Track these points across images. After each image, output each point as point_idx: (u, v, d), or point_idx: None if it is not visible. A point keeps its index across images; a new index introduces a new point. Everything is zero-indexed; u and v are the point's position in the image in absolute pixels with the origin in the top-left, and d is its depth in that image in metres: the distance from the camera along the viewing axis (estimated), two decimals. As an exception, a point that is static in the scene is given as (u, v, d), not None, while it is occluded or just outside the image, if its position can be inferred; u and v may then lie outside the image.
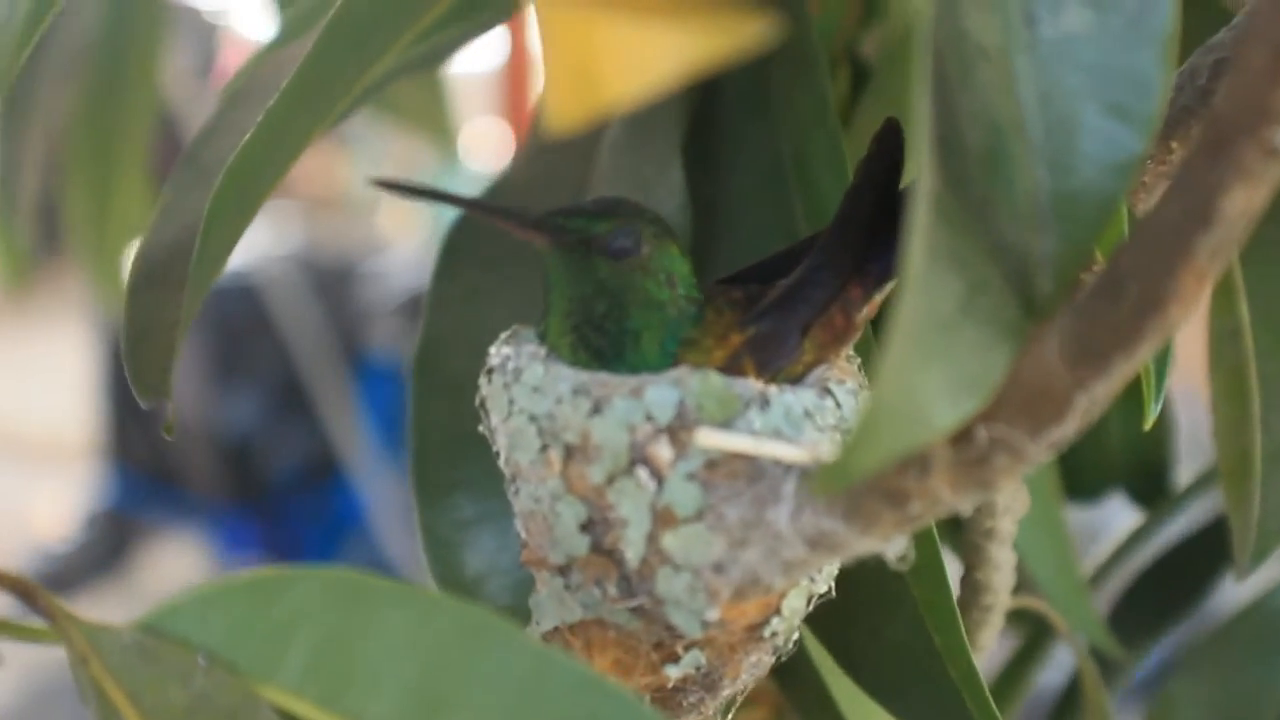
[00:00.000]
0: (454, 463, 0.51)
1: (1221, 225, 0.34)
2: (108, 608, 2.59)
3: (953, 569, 0.57)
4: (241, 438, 2.38)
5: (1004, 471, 0.37)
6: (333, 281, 2.40)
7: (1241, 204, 0.33)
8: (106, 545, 2.63)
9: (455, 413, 0.48)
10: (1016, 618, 0.68)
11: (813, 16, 0.55)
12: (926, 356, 0.33)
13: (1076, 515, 0.70)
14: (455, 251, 0.55)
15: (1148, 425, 0.45)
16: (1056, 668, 0.72)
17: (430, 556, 0.51)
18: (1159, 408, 0.45)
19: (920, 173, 0.32)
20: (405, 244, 2.71)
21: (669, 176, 0.52)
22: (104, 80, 0.88)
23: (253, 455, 2.41)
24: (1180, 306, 0.34)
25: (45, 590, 0.37)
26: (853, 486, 0.37)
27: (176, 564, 2.67)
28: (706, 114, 0.56)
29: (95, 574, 2.62)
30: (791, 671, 0.52)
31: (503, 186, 0.56)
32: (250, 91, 0.50)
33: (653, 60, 0.30)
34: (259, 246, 2.35)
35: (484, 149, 2.54)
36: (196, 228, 0.43)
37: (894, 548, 0.38)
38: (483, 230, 0.55)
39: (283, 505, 2.42)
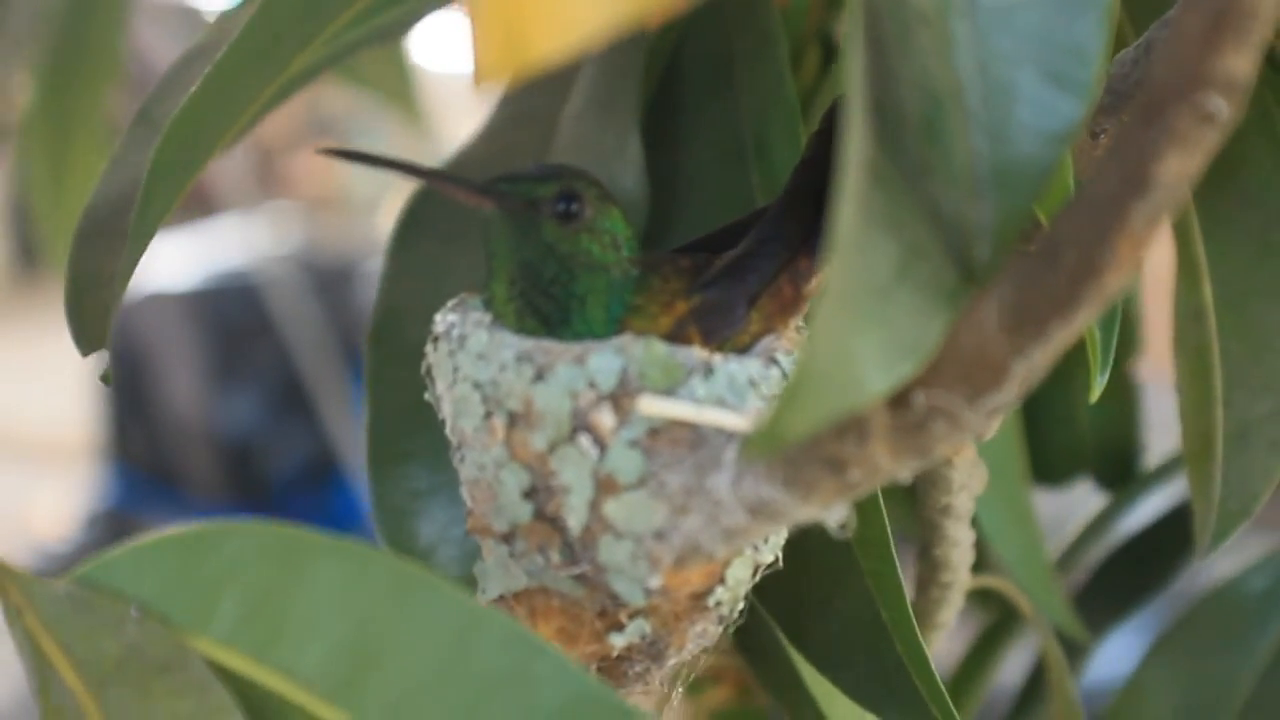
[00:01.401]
0: (408, 433, 0.51)
1: (1156, 191, 0.33)
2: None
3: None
4: (241, 438, 2.38)
5: (942, 439, 0.37)
6: (333, 281, 2.41)
7: (1176, 170, 0.33)
8: (106, 545, 2.62)
9: (411, 383, 0.48)
10: (983, 600, 0.68)
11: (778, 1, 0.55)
12: (860, 320, 0.33)
13: (1045, 500, 0.70)
14: (413, 223, 0.55)
15: (1094, 397, 0.45)
16: (1024, 649, 0.72)
17: (381, 525, 0.51)
18: (1105, 379, 0.45)
19: (850, 134, 0.32)
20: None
21: (628, 150, 0.52)
22: (63, 54, 0.88)
23: (253, 455, 2.41)
24: (1116, 273, 0.34)
25: (-22, 545, 0.37)
26: (791, 453, 0.37)
27: (176, 563, 2.67)
28: (667, 89, 0.56)
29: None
30: (757, 648, 0.52)
31: (464, 159, 0.56)
32: (205, 50, 0.50)
33: (578, 20, 0.30)
34: (259, 246, 2.36)
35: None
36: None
37: (835, 515, 0.38)
38: (441, 203, 0.55)
39: (283, 505, 2.42)
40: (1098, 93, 0.36)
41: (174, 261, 2.34)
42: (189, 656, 0.34)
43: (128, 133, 0.48)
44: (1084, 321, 0.35)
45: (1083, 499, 0.75)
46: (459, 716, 0.32)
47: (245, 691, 0.34)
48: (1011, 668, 0.74)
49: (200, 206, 2.58)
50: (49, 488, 2.89)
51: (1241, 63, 0.33)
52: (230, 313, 2.37)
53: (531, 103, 0.57)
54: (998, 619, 0.69)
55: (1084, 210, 0.34)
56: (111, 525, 2.59)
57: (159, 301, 2.30)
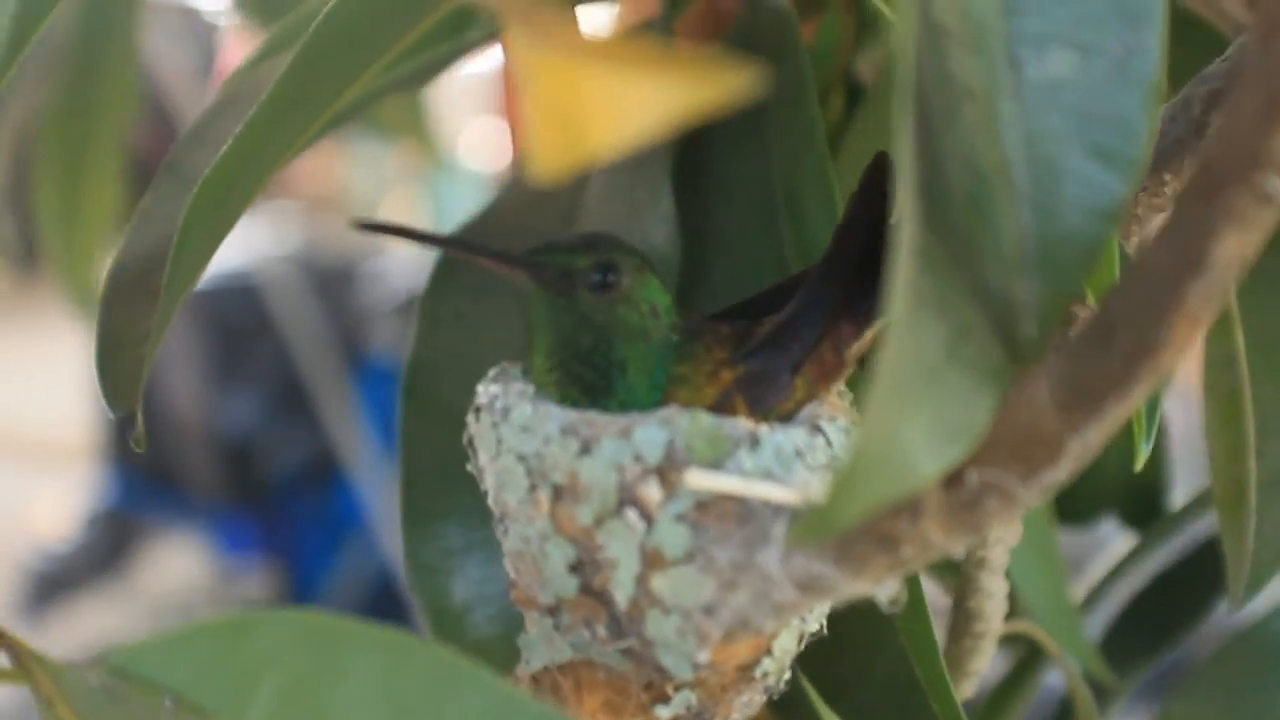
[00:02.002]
0: (443, 490, 0.51)
1: (1213, 271, 0.33)
2: (108, 608, 2.59)
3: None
4: (241, 438, 2.38)
5: (995, 515, 0.37)
6: (333, 281, 2.40)
7: (1233, 250, 0.33)
8: (106, 545, 2.62)
9: (443, 439, 0.48)
10: (1009, 640, 0.68)
11: (805, 44, 0.55)
12: (910, 403, 0.33)
13: (1069, 539, 0.70)
14: (445, 277, 0.55)
15: (1139, 466, 0.45)
16: (1050, 691, 0.72)
17: (416, 584, 0.51)
18: (1150, 447, 0.45)
19: (902, 217, 0.32)
20: (405, 244, 2.70)
21: (659, 203, 0.52)
22: (79, 79, 0.88)
23: (253, 455, 2.41)
24: (1172, 352, 0.34)
25: (8, 632, 0.37)
26: (844, 531, 0.37)
27: (176, 564, 2.67)
28: (698, 141, 0.55)
29: (95, 574, 2.61)
30: (786, 706, 0.52)
31: (493, 211, 0.56)
32: (234, 101, 0.50)
33: (638, 110, 0.30)
34: (259, 246, 2.35)
35: (483, 149, 2.54)
36: (173, 237, 0.43)
37: (885, 590, 0.38)
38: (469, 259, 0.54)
39: (283, 505, 2.42)
40: (1144, 169, 0.36)
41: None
42: (223, 749, 0.34)
43: (154, 185, 0.48)
44: (1139, 398, 0.35)
45: (1108, 537, 0.75)
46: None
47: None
48: (1042, 701, 0.74)
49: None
50: (49, 488, 2.89)
51: (1299, 143, 0.33)
52: (230, 313, 2.36)
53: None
54: (1025, 658, 0.69)
55: (1138, 289, 0.34)
56: (111, 525, 2.58)
57: (159, 301, 2.30)
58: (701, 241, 0.53)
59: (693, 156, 0.55)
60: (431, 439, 0.52)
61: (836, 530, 0.34)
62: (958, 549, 0.37)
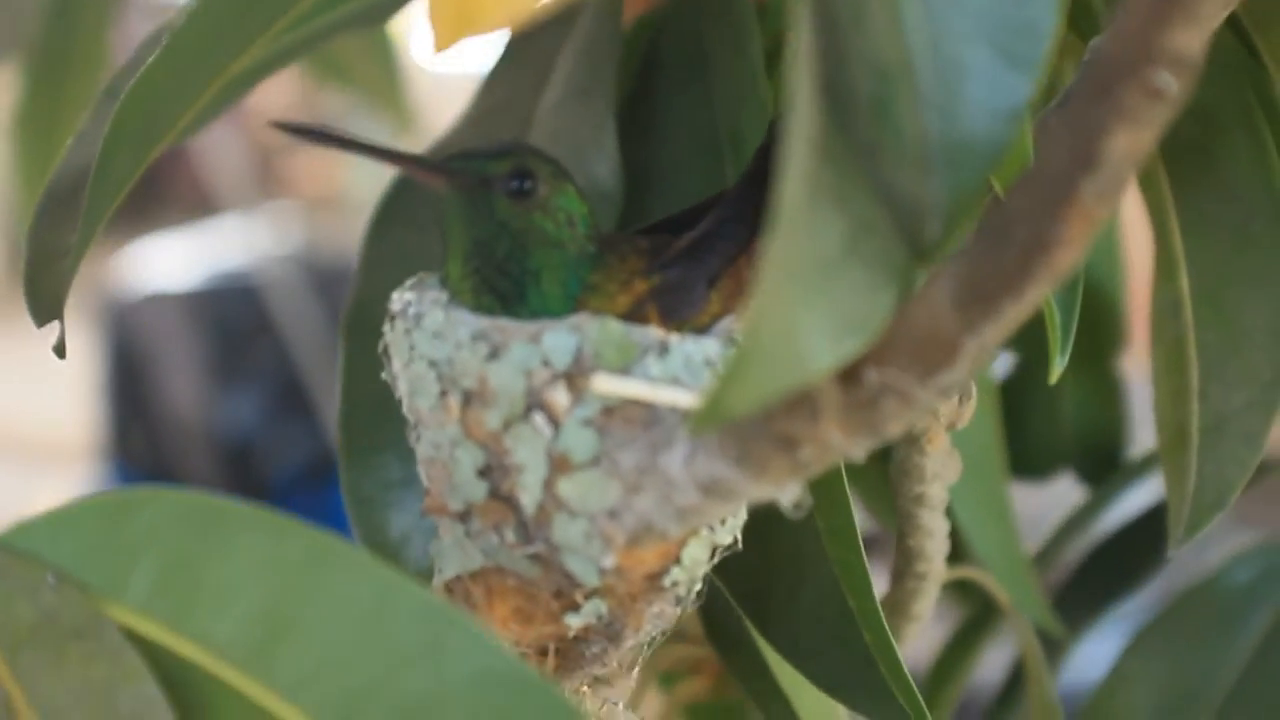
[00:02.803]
0: (381, 423, 0.51)
1: (1106, 168, 0.33)
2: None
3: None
4: (241, 438, 2.38)
5: (894, 416, 0.37)
6: (333, 281, 2.41)
7: (1125, 146, 0.33)
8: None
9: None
10: (963, 593, 0.68)
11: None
12: (805, 294, 0.33)
13: (1025, 494, 0.70)
14: (388, 214, 0.55)
15: (1053, 379, 0.45)
16: (1006, 643, 0.72)
17: (354, 515, 0.51)
18: (1065, 361, 0.45)
19: (796, 109, 0.32)
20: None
21: (604, 142, 0.52)
22: (49, 74, 0.88)
23: (253, 455, 2.41)
24: (1066, 250, 0.34)
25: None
26: (742, 430, 0.37)
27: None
28: (644, 81, 0.56)
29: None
30: (727, 637, 0.52)
31: (442, 148, 0.56)
32: (174, 23, 0.50)
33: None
34: (259, 246, 2.36)
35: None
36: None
37: (788, 494, 0.38)
38: (416, 193, 0.55)
39: (283, 505, 2.40)
40: (1048, 70, 0.36)
41: (174, 261, 2.34)
42: (103, 623, 0.34)
43: (93, 109, 0.49)
44: (1035, 298, 0.35)
45: (1064, 493, 0.75)
46: (372, 686, 0.32)
47: (159, 659, 0.34)
48: (993, 661, 0.73)
49: (200, 206, 2.59)
50: (49, 488, 2.89)
51: (1191, 38, 0.33)
52: (230, 313, 2.36)
53: (509, 93, 0.57)
54: (977, 612, 0.69)
55: (1034, 187, 0.34)
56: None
57: (159, 301, 2.30)
58: (645, 180, 0.54)
59: (638, 101, 0.56)
60: (370, 373, 0.52)
61: (730, 418, 0.34)
62: (857, 451, 0.37)
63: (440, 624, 0.32)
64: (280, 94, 2.73)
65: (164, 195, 3.50)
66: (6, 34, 0.89)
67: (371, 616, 0.32)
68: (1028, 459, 0.71)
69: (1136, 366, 0.73)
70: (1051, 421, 0.71)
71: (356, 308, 0.54)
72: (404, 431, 0.50)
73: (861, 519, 0.50)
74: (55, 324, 0.46)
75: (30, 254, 0.45)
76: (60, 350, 0.45)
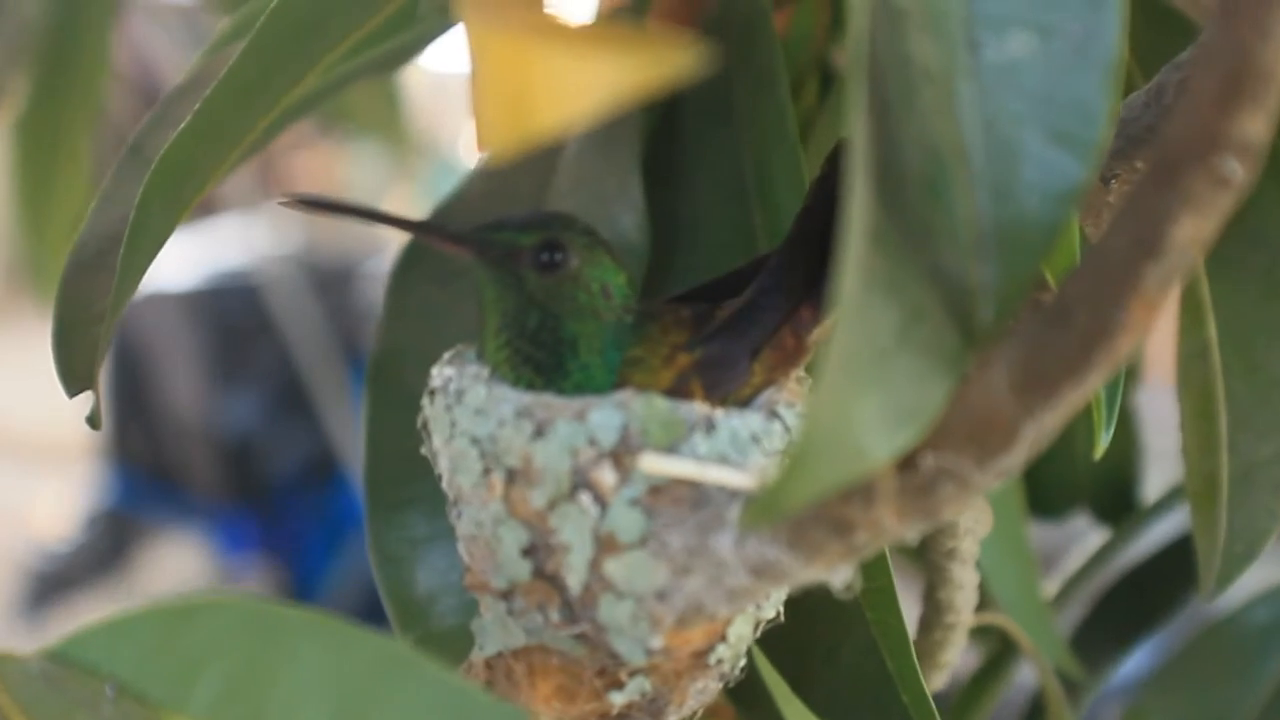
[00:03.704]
0: (407, 479, 0.51)
1: (1170, 255, 0.33)
2: (108, 608, 2.58)
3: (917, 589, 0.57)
4: (241, 438, 2.37)
5: (950, 501, 0.36)
6: (333, 281, 2.40)
7: (1190, 233, 0.33)
8: (106, 545, 2.61)
9: (409, 428, 0.47)
10: (981, 634, 0.67)
11: (780, 32, 0.55)
12: (862, 386, 0.33)
13: (1041, 533, 0.70)
14: (411, 264, 0.55)
15: (1098, 454, 0.45)
16: (1021, 687, 0.72)
17: (380, 573, 0.51)
18: (1109, 437, 0.44)
19: (853, 198, 0.32)
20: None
21: (628, 191, 0.52)
22: (52, 69, 0.87)
23: (253, 455, 2.40)
24: (1128, 336, 0.34)
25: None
26: (795, 516, 0.37)
27: (176, 564, 2.66)
28: (668, 128, 0.55)
29: (95, 574, 2.60)
30: (745, 693, 0.51)
31: (460, 199, 0.56)
32: (197, 84, 0.50)
33: (586, 88, 0.30)
34: (259, 246, 2.35)
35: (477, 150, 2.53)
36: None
37: (840, 577, 0.38)
38: (435, 248, 0.54)
39: (283, 505, 2.41)
40: (1104, 152, 0.35)
41: (174, 261, 2.33)
42: (166, 737, 0.33)
43: (117, 167, 0.48)
44: (1095, 384, 0.35)
45: (1081, 531, 0.75)
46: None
47: (223, 772, 0.33)
48: (1014, 700, 0.73)
49: (200, 206, 2.57)
50: (49, 488, 2.88)
51: (1257, 125, 0.32)
52: (230, 313, 2.35)
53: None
54: (997, 652, 0.69)
55: (1095, 272, 0.34)
56: (111, 525, 2.58)
57: (159, 301, 2.29)
58: (671, 229, 0.53)
59: (662, 145, 0.55)
60: (396, 428, 0.51)
61: (787, 513, 0.33)
62: (912, 535, 0.37)
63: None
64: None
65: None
66: (8, 40, 0.88)
67: (444, 725, 0.31)
68: (1044, 499, 0.71)
69: (1148, 403, 0.73)
70: (1066, 461, 0.71)
71: (380, 360, 0.53)
72: (430, 488, 0.50)
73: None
74: (56, 356, 0.45)
75: (60, 319, 0.45)
76: (94, 421, 0.44)
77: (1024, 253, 0.35)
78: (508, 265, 0.42)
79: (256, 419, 2.40)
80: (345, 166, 3.04)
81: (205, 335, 2.34)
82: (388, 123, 0.92)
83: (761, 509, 0.33)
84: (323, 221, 2.71)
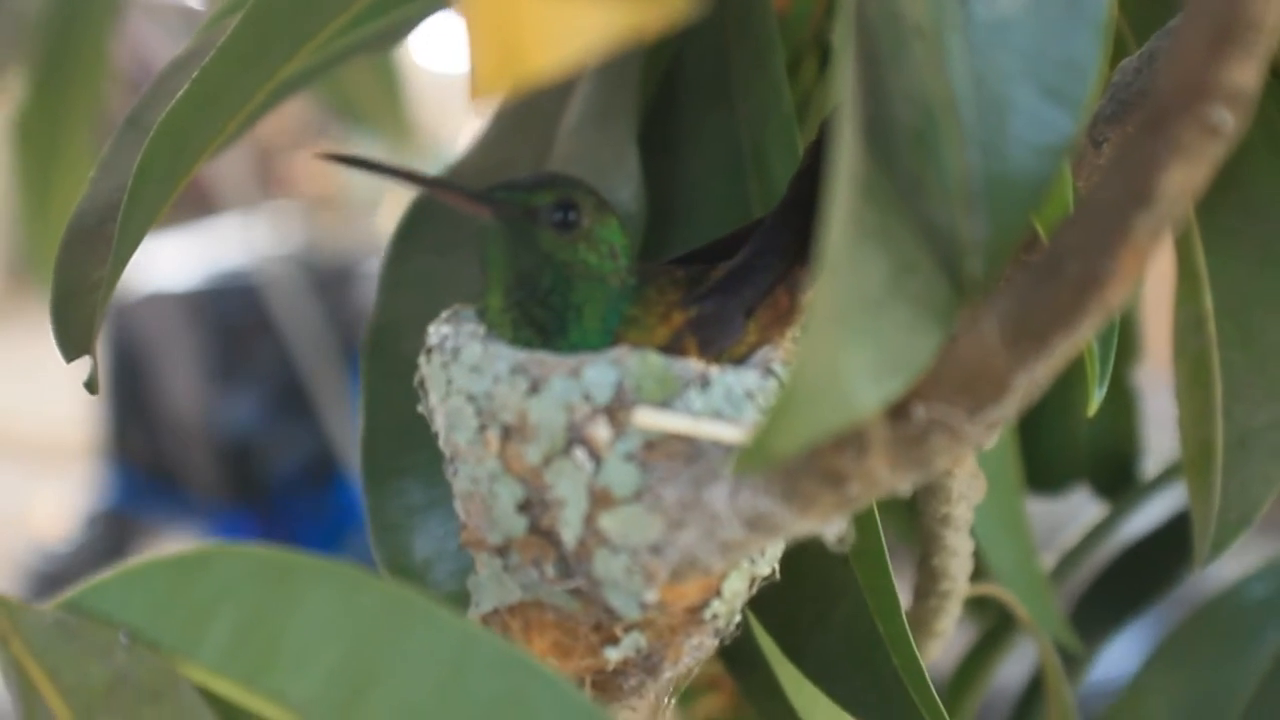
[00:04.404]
0: (404, 448, 0.51)
1: (1160, 204, 0.33)
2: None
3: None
4: (241, 438, 2.38)
5: (942, 451, 0.36)
6: (333, 281, 2.40)
7: (1180, 182, 0.33)
8: (106, 545, 2.61)
9: (406, 397, 0.48)
10: (980, 606, 0.68)
11: (778, 8, 0.55)
12: (851, 335, 0.33)
13: (1041, 507, 0.70)
14: (409, 235, 0.55)
15: (1091, 411, 0.45)
16: (1024, 655, 0.72)
17: (377, 541, 0.51)
18: (1103, 392, 0.44)
19: (840, 149, 0.32)
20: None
21: (625, 162, 0.52)
22: (53, 57, 0.87)
23: (253, 455, 2.40)
24: (1119, 285, 0.34)
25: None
26: (789, 466, 0.37)
27: (176, 563, 2.65)
28: (665, 100, 0.55)
29: (95, 574, 2.60)
30: (740, 658, 0.52)
31: (460, 170, 0.56)
32: (195, 55, 0.50)
33: (574, 33, 0.30)
34: (259, 246, 2.35)
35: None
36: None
37: (833, 529, 0.38)
38: (436, 215, 0.54)
39: (283, 505, 2.42)
40: (1093, 107, 0.36)
41: (174, 261, 2.33)
42: (179, 683, 0.33)
43: (115, 138, 0.48)
44: (1086, 333, 0.35)
45: (1080, 506, 0.75)
46: (455, 742, 0.32)
47: (235, 718, 0.33)
48: (1012, 672, 0.74)
49: (200, 206, 2.57)
50: (49, 488, 2.88)
51: (1246, 74, 0.32)
52: (230, 313, 2.36)
53: (529, 114, 0.57)
54: (995, 625, 0.69)
55: (1087, 222, 0.34)
56: (111, 525, 2.58)
57: (159, 301, 2.30)
58: (668, 201, 0.53)
59: (660, 118, 0.56)
60: (393, 397, 0.52)
61: (776, 459, 0.34)
62: (904, 486, 0.37)
63: (522, 675, 0.31)
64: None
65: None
66: (8, 39, 0.88)
67: (452, 670, 0.32)
68: (1043, 473, 0.71)
69: (1150, 377, 0.73)
70: (1066, 435, 0.71)
71: (377, 330, 0.53)
72: (427, 456, 0.50)
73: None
74: (54, 323, 0.46)
75: (58, 288, 0.45)
76: (92, 386, 0.45)
77: (1013, 206, 0.36)
78: (523, 224, 0.42)
79: (256, 419, 2.41)
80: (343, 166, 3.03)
81: (205, 335, 2.34)
82: (390, 119, 0.92)
83: (751, 456, 0.33)
84: (323, 221, 2.71)
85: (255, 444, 2.40)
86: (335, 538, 2.35)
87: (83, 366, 0.44)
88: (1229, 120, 0.32)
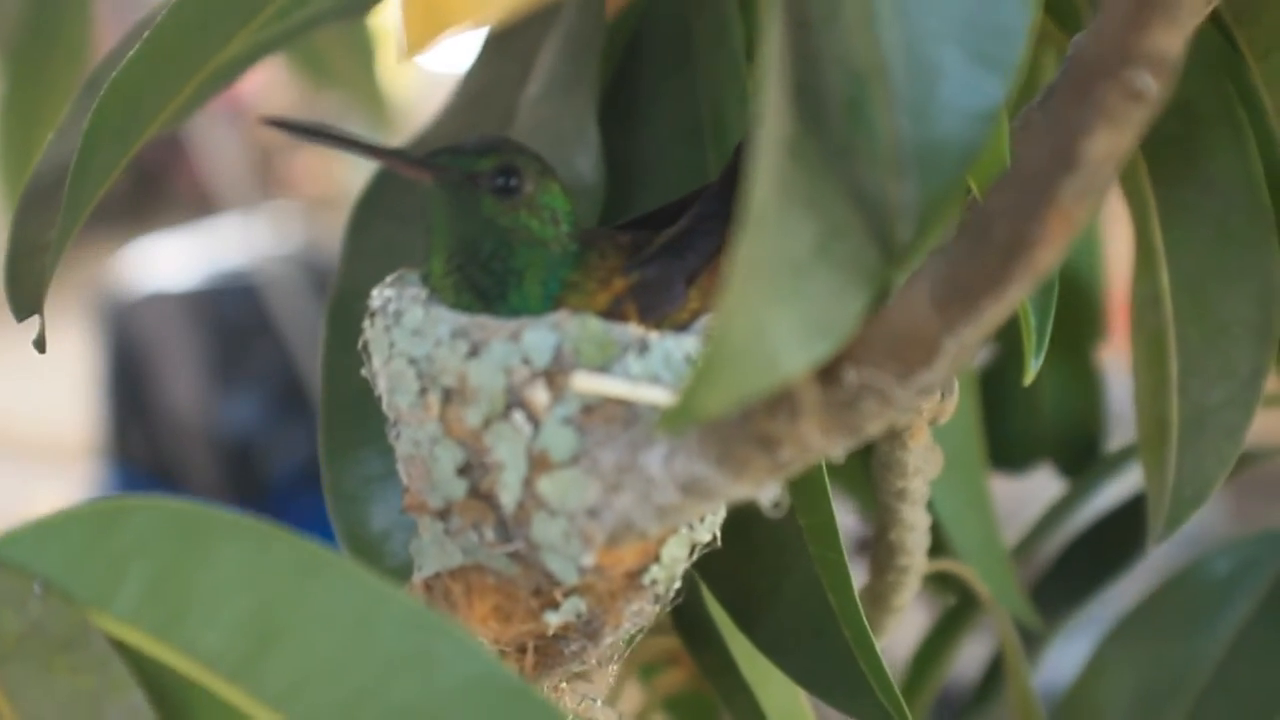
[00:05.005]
0: (362, 418, 0.51)
1: (1086, 168, 0.33)
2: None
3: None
4: (241, 438, 2.37)
5: (873, 416, 0.37)
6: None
7: (1105, 147, 0.33)
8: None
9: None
10: (943, 584, 0.68)
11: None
12: (776, 297, 0.33)
13: (1004, 486, 0.70)
14: (370, 206, 0.55)
15: (1028, 380, 0.45)
16: (986, 635, 0.72)
17: (335, 511, 0.51)
18: (1039, 363, 0.45)
19: (765, 110, 0.32)
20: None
21: (585, 132, 0.52)
22: (30, 54, 0.87)
23: (253, 455, 2.40)
24: (1047, 249, 0.34)
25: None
26: (722, 430, 0.37)
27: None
28: (626, 69, 0.56)
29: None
30: (696, 632, 0.52)
31: (425, 138, 0.56)
32: (154, 19, 0.50)
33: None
34: (259, 246, 2.36)
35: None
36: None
37: (768, 494, 0.38)
38: (397, 185, 0.55)
39: (283, 506, 2.41)
40: (1023, 72, 0.36)
41: (174, 261, 2.34)
42: (91, 634, 0.34)
43: (74, 102, 0.48)
44: (1015, 298, 0.35)
45: (1043, 485, 0.75)
46: (360, 696, 0.32)
47: (147, 669, 0.34)
48: (974, 652, 0.74)
49: (200, 206, 2.58)
50: (49, 488, 2.88)
51: (1170, 39, 0.33)
52: (230, 313, 2.36)
53: (491, 84, 0.57)
54: (957, 603, 0.69)
55: (1014, 186, 0.34)
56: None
57: (159, 301, 2.30)
58: (628, 171, 0.54)
59: (622, 90, 0.56)
60: (353, 367, 0.52)
61: (701, 419, 0.34)
62: (837, 451, 0.37)
63: (428, 632, 0.32)
64: (279, 92, 2.72)
65: (164, 195, 3.49)
66: None
67: (360, 625, 0.32)
68: (1006, 451, 0.72)
69: (1115, 357, 0.73)
70: (1030, 413, 0.71)
71: (339, 300, 0.54)
72: (384, 427, 0.50)
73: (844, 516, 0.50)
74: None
75: (11, 248, 0.45)
76: (40, 345, 0.45)
77: (943, 171, 0.36)
78: (465, 189, 0.43)
79: (256, 419, 2.40)
80: (343, 166, 3.04)
81: (205, 335, 2.34)
82: (365, 93, 0.92)
83: (676, 415, 0.33)
84: (323, 221, 2.72)
85: (255, 444, 2.40)
86: (335, 537, 2.34)
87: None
88: (1152, 85, 0.33)
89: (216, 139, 2.34)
